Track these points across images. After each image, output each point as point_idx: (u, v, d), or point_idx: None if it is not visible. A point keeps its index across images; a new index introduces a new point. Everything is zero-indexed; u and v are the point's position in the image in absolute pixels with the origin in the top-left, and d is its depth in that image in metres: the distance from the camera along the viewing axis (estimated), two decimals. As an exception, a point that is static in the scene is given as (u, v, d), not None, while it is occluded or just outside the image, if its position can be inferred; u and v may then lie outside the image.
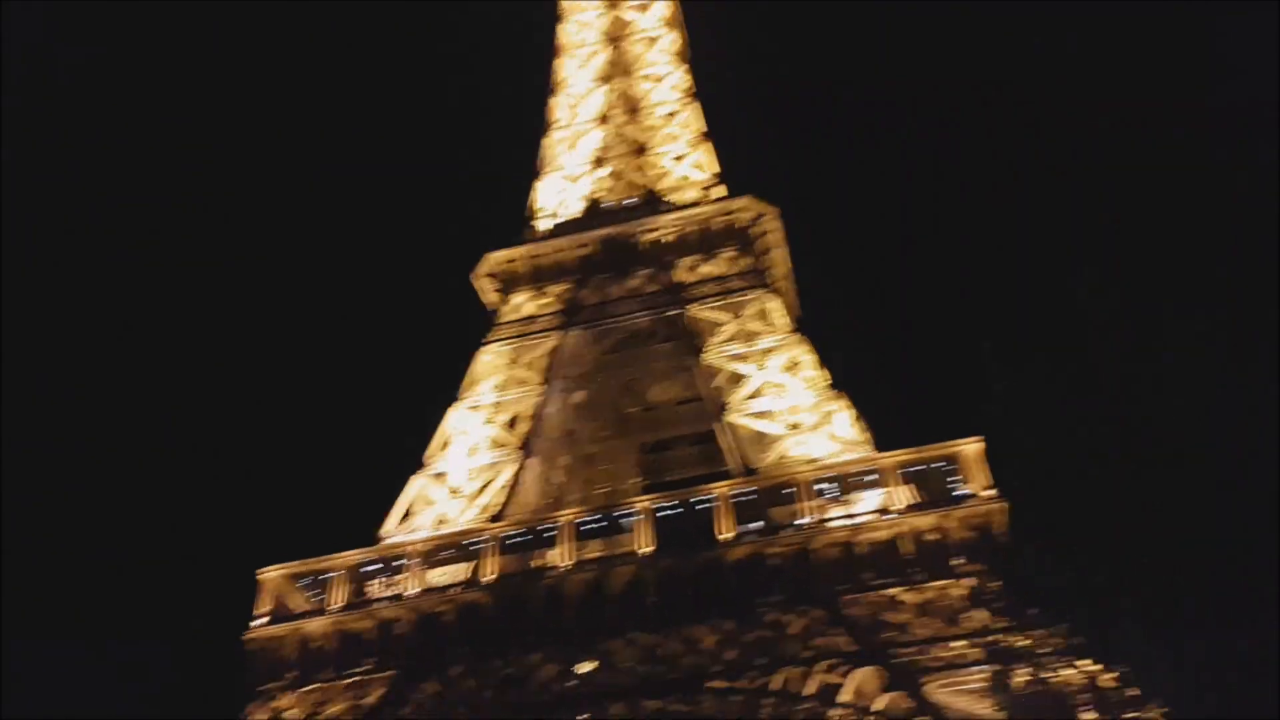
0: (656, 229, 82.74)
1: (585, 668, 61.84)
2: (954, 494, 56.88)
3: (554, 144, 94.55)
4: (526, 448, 74.31)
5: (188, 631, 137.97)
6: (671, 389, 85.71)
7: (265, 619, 65.85)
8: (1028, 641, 40.71)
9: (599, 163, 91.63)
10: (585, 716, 57.64)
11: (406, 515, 72.11)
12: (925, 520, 56.21)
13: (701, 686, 56.38)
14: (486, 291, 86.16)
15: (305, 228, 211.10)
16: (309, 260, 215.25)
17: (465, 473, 74.16)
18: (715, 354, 74.36)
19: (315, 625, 65.09)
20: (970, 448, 58.04)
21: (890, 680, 51.59)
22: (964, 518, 55.32)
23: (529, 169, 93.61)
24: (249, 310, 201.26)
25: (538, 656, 61.50)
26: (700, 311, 77.10)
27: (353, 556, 67.78)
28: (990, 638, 47.77)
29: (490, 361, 79.17)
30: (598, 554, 65.53)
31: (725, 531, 61.93)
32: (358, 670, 63.03)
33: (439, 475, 74.11)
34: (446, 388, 78.65)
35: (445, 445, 75.06)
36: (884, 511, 58.25)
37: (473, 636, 63.10)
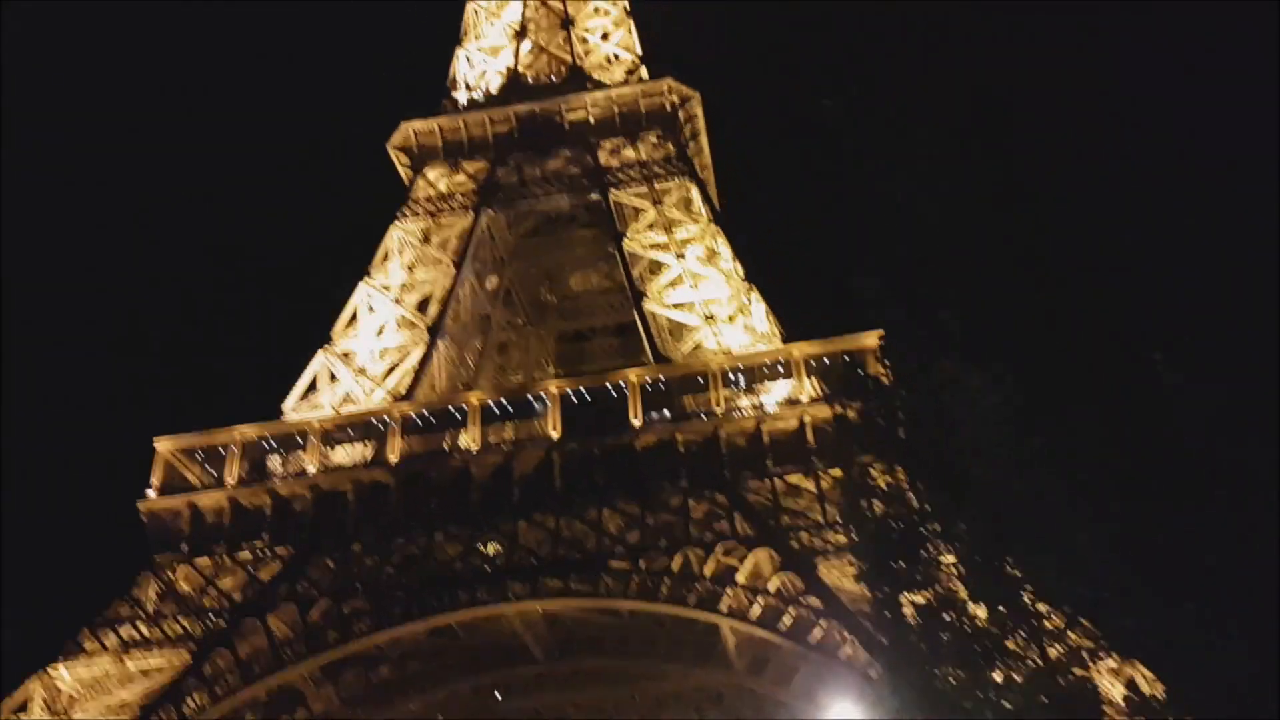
0: (579, 108, 79.92)
1: (489, 548, 61.83)
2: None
3: (476, 11, 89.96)
4: (436, 331, 72.50)
5: (86, 501, 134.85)
6: (591, 277, 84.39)
7: (159, 490, 64.03)
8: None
9: (522, 35, 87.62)
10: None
11: (310, 391, 70.21)
12: (828, 411, 56.52)
13: (603, 567, 56.77)
14: (402, 164, 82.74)
15: (223, 89, 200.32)
16: (223, 123, 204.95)
17: (372, 352, 72.27)
18: (636, 241, 72.94)
19: (210, 498, 63.53)
20: (872, 340, 58.24)
21: (785, 563, 52.53)
22: (863, 408, 55.64)
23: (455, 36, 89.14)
24: (158, 169, 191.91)
25: (440, 536, 61.15)
26: (622, 197, 75.27)
27: (251, 431, 65.91)
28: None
29: (401, 239, 76.46)
30: (506, 437, 64.95)
31: (635, 418, 61.68)
32: (253, 545, 61.90)
33: (345, 354, 72.08)
34: (359, 262, 75.99)
35: (353, 322, 72.81)
36: (792, 402, 58.48)
37: (374, 516, 62.35)
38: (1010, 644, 13.60)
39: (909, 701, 13.61)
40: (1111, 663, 16.10)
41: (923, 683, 13.53)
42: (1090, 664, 13.77)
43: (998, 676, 13.43)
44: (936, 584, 14.32)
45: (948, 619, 13.97)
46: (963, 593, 14.27)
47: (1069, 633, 14.44)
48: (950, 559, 14.54)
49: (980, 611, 14.04)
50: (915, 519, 15.03)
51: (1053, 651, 13.68)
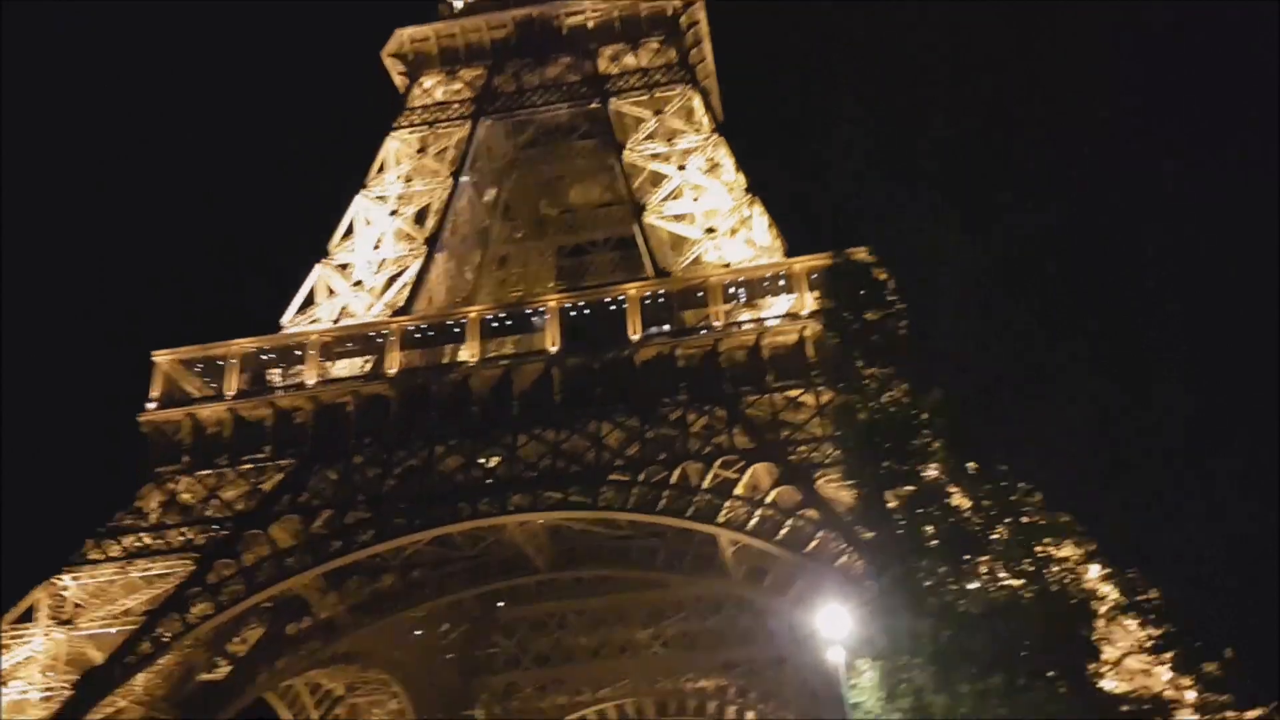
0: (578, 12, 77.45)
1: (490, 462, 62.08)
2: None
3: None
4: (434, 243, 71.61)
5: (86, 413, 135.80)
6: (591, 190, 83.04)
7: (159, 402, 64.08)
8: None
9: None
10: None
11: (308, 305, 69.73)
12: (828, 326, 56.05)
13: (602, 480, 57.00)
14: (398, 73, 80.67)
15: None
16: (219, 32, 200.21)
17: (370, 265, 71.54)
18: (636, 152, 71.44)
19: (210, 411, 63.56)
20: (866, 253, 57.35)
21: (783, 476, 52.67)
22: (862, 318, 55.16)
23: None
24: (155, 80, 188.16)
25: (441, 449, 61.31)
26: (622, 105, 73.47)
27: (250, 344, 65.63)
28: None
29: (398, 149, 74.96)
30: (506, 351, 64.68)
31: (635, 332, 61.23)
32: (254, 457, 62.17)
33: (343, 266, 71.39)
34: (356, 174, 74.68)
35: (349, 234, 71.91)
36: (792, 316, 57.90)
37: (374, 429, 62.44)
38: (996, 534, 13.34)
39: (889, 592, 13.43)
40: (1101, 567, 15.90)
41: (904, 573, 13.33)
42: (1081, 566, 13.53)
43: (983, 569, 13.22)
44: (921, 479, 14.02)
45: (932, 511, 13.68)
46: (954, 493, 13.97)
47: (1065, 539, 14.17)
48: (937, 446, 14.19)
49: (965, 502, 13.75)
50: (904, 416, 14.67)
51: (1039, 549, 13.43)
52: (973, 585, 13.04)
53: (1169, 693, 12.93)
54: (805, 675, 74.83)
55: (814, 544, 49.64)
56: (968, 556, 13.23)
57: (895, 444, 14.36)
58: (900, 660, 13.92)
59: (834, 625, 17.65)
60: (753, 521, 52.81)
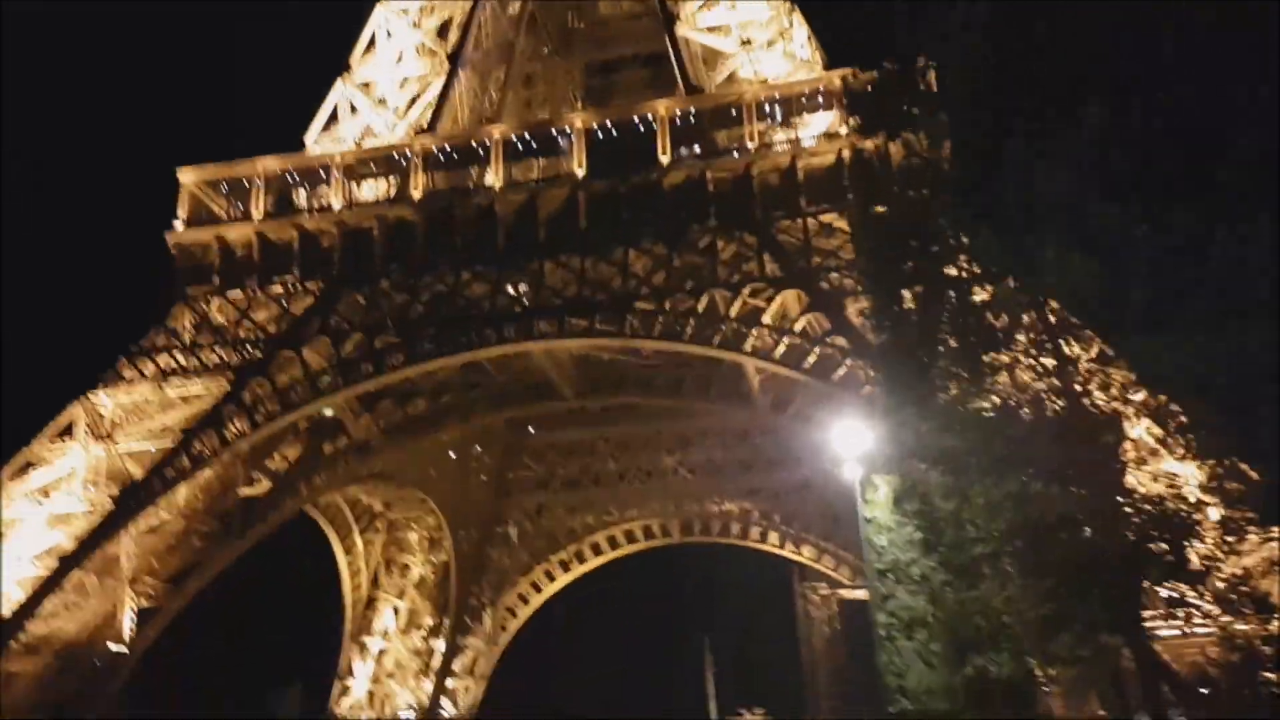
0: None
1: (516, 288, 61.55)
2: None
3: None
4: (457, 59, 68.67)
5: (114, 234, 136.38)
6: (621, 1, 78.55)
7: (186, 222, 63.72)
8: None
9: None
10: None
11: (331, 123, 67.95)
12: (870, 145, 53.49)
13: (629, 307, 56.38)
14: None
15: None
16: None
17: (392, 83, 69.10)
18: (669, -42, 66.81)
19: (238, 232, 63.15)
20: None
21: (813, 303, 51.67)
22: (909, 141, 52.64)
23: None
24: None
25: (467, 275, 60.75)
26: (655, -93, 68.22)
27: (274, 163, 64.42)
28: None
29: (418, -44, 70.82)
30: (531, 175, 62.95)
31: (664, 154, 59.06)
32: (283, 279, 62.11)
33: (365, 84, 69.03)
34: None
35: (370, 49, 69.10)
36: (830, 135, 55.31)
37: (401, 253, 61.81)
38: (1021, 339, 12.40)
39: (899, 394, 12.69)
40: (1138, 395, 14.99)
41: (916, 373, 12.53)
42: (1112, 371, 12.60)
43: (1001, 370, 12.38)
44: (940, 274, 13.01)
45: (948, 306, 12.73)
46: (975, 291, 12.94)
47: (1088, 352, 13.20)
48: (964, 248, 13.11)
49: (983, 295, 12.74)
50: (924, 210, 13.55)
51: (1065, 347, 12.50)
52: (989, 385, 12.23)
53: (1191, 506, 12.17)
54: (828, 500, 76.34)
55: (841, 372, 49.07)
56: (986, 356, 12.36)
57: (915, 241, 13.32)
58: (909, 467, 13.37)
59: (851, 442, 17.11)
60: (780, 350, 52.23)
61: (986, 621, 13.02)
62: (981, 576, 12.89)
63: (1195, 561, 12.43)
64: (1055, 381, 12.35)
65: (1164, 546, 11.67)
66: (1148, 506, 11.93)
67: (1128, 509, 11.94)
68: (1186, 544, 11.64)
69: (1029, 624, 12.35)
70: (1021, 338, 12.43)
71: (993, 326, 12.45)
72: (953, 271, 13.13)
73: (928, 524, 13.45)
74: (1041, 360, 12.35)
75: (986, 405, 12.14)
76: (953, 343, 12.84)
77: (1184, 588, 12.91)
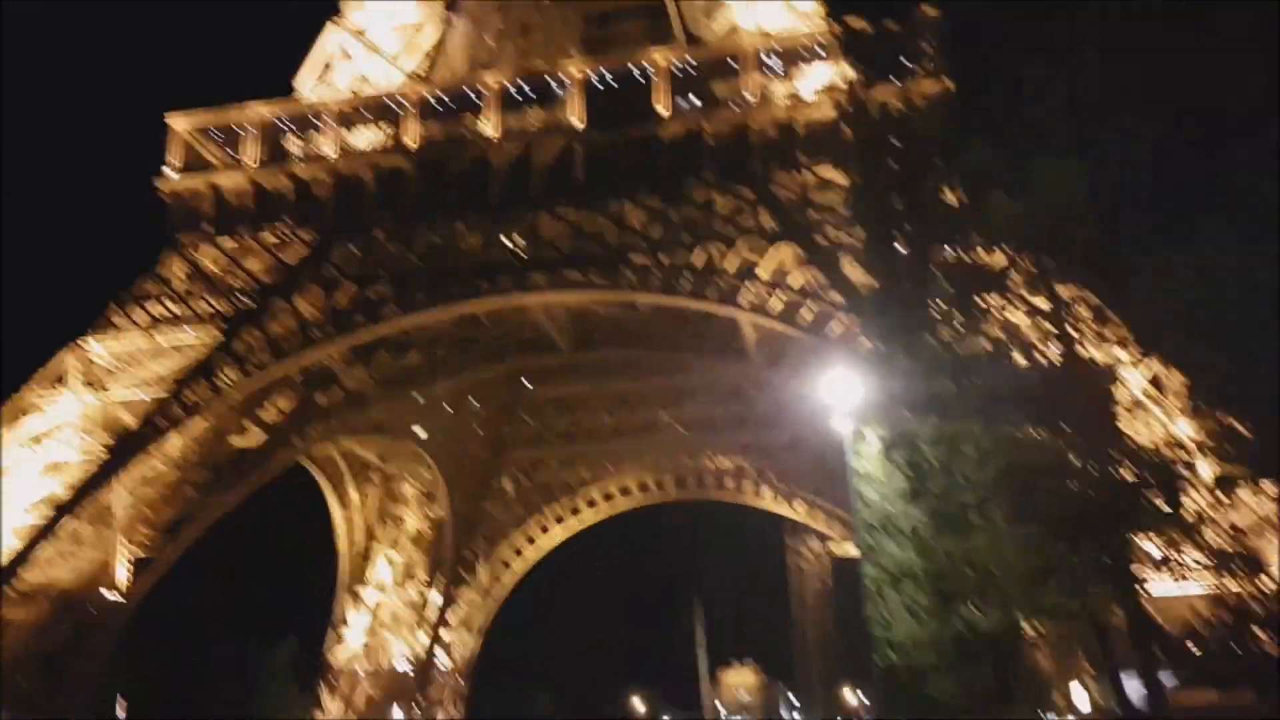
0: None
1: (511, 241, 60.99)
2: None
3: None
4: (453, 6, 67.54)
5: (104, 182, 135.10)
6: (621, -54, 76.98)
7: (178, 168, 62.91)
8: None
9: None
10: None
11: (324, 70, 66.88)
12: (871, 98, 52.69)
13: (624, 261, 55.91)
14: None
15: None
16: None
17: (386, 30, 67.91)
18: (669, -96, 65.43)
19: (231, 179, 62.40)
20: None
21: (809, 258, 51.24)
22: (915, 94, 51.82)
23: None
24: None
25: (462, 226, 60.17)
26: None
27: (265, 109, 63.47)
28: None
29: (413, -103, 69.19)
30: (527, 125, 62.10)
31: (662, 106, 58.20)
32: (276, 228, 61.48)
33: (359, 31, 67.82)
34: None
35: (364, -7, 67.79)
36: (831, 89, 54.37)
37: (395, 203, 61.14)
38: (1016, 277, 12.08)
39: (888, 337, 12.41)
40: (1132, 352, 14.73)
41: (904, 317, 12.24)
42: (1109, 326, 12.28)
43: (993, 312, 12.06)
44: (936, 207, 12.68)
45: (941, 246, 12.41)
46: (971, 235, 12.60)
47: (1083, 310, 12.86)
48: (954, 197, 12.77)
49: (982, 253, 12.43)
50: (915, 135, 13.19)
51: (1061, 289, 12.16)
52: (981, 327, 11.90)
53: (1186, 455, 11.90)
54: (821, 456, 76.46)
55: (836, 328, 48.79)
56: (978, 297, 12.01)
57: (911, 184, 12.98)
58: (898, 416, 13.11)
59: (840, 392, 16.88)
60: (775, 305, 51.92)
61: (974, 572, 12.85)
62: (970, 527, 12.70)
63: (1188, 513, 12.19)
64: (1049, 326, 12.03)
65: (1157, 495, 11.42)
66: (1141, 454, 11.64)
67: (1120, 455, 11.64)
68: (1180, 493, 11.40)
69: (1016, 575, 12.16)
70: (1016, 277, 12.11)
71: (985, 267, 12.13)
72: (950, 199, 12.79)
73: (916, 473, 13.22)
74: (1034, 300, 12.02)
75: (977, 348, 11.83)
76: (945, 285, 12.51)
77: (1175, 544, 12.65)
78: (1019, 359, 12.03)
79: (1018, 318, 12.16)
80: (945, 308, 12.15)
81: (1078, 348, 12.20)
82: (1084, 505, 11.55)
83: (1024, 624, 19.86)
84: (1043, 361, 11.92)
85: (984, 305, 11.99)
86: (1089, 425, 11.65)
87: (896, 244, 12.98)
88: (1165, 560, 13.18)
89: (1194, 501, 12.23)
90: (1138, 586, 13.38)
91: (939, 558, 13.88)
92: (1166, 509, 11.40)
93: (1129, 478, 11.79)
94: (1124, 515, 11.66)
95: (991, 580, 12.58)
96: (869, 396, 15.24)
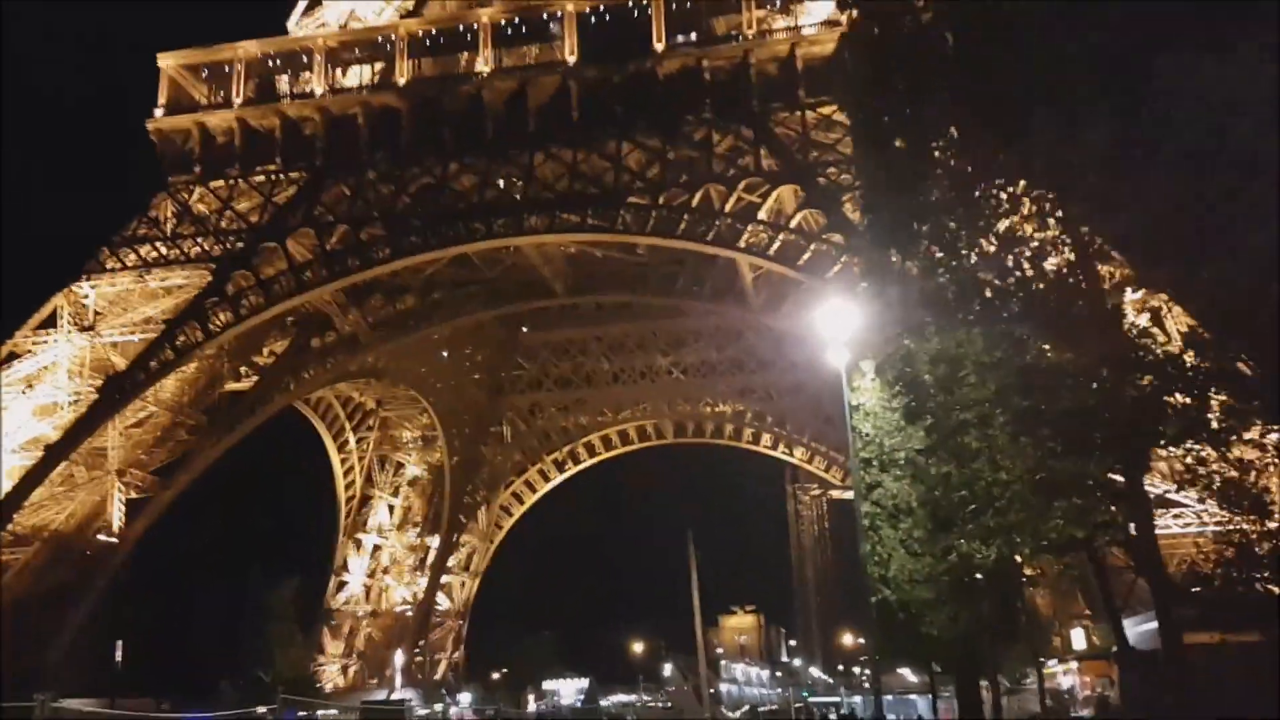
0: None
1: (506, 181, 59.87)
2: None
3: None
4: (446, -62, 65.49)
5: (95, 124, 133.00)
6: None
7: (166, 108, 61.59)
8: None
9: None
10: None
11: (314, 7, 65.20)
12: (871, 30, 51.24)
13: (621, 202, 54.87)
14: None
15: None
16: None
17: (377, -37, 66.00)
18: None
19: (218, 118, 61.06)
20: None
21: (809, 199, 50.21)
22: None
23: None
24: None
25: (455, 166, 59.01)
26: None
27: (254, 47, 61.93)
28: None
29: None
30: (520, 62, 60.63)
31: (659, 41, 56.67)
32: (266, 168, 60.32)
33: (348, -35, 65.94)
34: None
35: (352, -74, 65.74)
36: (832, 23, 52.87)
37: (387, 142, 59.91)
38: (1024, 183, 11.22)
39: (880, 241, 11.66)
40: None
41: (905, 214, 11.43)
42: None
43: (999, 216, 11.23)
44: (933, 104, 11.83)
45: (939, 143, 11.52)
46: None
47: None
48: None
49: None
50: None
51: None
52: (986, 225, 11.10)
53: (1211, 365, 11.04)
54: (820, 401, 76.07)
55: (837, 269, 47.92)
56: (980, 193, 11.14)
57: (908, 71, 12.18)
58: (894, 333, 12.40)
59: (836, 324, 16.17)
60: (775, 246, 51.00)
61: (974, 498, 12.20)
62: (970, 450, 12.04)
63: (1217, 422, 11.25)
64: (1063, 235, 11.21)
65: (1183, 399, 10.61)
66: (1161, 362, 10.79)
67: (1136, 363, 10.76)
68: (1209, 398, 10.58)
69: (1019, 497, 11.47)
70: (1024, 182, 11.28)
71: (994, 158, 11.30)
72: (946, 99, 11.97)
73: (914, 394, 12.52)
74: (1046, 203, 11.14)
75: (981, 247, 11.05)
76: (946, 183, 11.70)
77: (1202, 461, 11.72)
78: (1027, 262, 11.22)
79: (1028, 222, 11.31)
80: (946, 201, 11.33)
81: (1091, 260, 11.40)
82: (1098, 407, 10.71)
83: (1024, 566, 19.36)
84: (1051, 266, 11.11)
85: (988, 198, 11.15)
86: (1104, 334, 10.82)
87: (895, 141, 12.22)
88: (1165, 504, 12.28)
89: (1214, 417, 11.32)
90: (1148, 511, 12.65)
91: (936, 484, 13.25)
92: (1195, 415, 10.50)
93: (1152, 378, 10.81)
94: (1146, 418, 10.68)
95: (992, 506, 11.93)
96: (866, 324, 14.52)
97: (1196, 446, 11.11)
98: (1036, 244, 11.37)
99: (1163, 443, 10.76)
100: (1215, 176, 10.30)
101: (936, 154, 11.74)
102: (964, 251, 11.30)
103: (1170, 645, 12.00)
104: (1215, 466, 11.16)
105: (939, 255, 11.43)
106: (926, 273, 11.64)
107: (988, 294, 11.36)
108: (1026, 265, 11.28)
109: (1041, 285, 11.15)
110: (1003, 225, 11.37)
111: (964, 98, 12.88)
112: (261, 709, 20.37)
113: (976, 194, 11.33)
